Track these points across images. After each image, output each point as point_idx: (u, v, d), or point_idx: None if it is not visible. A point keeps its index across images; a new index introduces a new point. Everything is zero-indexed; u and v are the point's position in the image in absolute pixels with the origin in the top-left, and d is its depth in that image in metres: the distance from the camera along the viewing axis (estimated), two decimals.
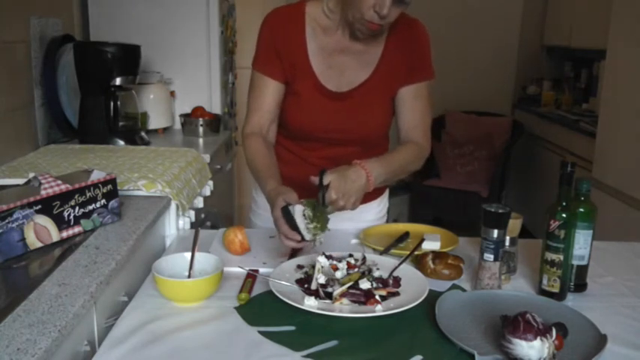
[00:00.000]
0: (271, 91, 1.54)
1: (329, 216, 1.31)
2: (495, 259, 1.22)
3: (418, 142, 1.58)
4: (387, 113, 1.59)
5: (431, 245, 1.45)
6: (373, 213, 1.75)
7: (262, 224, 1.75)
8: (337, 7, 1.48)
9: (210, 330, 1.09)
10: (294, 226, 1.25)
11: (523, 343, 0.95)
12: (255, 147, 1.52)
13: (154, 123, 2.65)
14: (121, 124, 2.35)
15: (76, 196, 1.34)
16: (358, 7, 1.37)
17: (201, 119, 2.68)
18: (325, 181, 1.30)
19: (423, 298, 1.15)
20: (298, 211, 1.26)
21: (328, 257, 1.25)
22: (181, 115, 2.75)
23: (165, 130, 2.74)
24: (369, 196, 1.69)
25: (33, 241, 1.26)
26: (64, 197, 1.32)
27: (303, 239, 1.26)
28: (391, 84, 1.56)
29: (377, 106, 1.56)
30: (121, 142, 2.28)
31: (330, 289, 1.17)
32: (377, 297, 1.15)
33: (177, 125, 2.80)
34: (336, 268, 1.23)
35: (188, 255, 1.28)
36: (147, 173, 1.76)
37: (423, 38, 1.57)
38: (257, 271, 1.30)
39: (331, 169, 1.33)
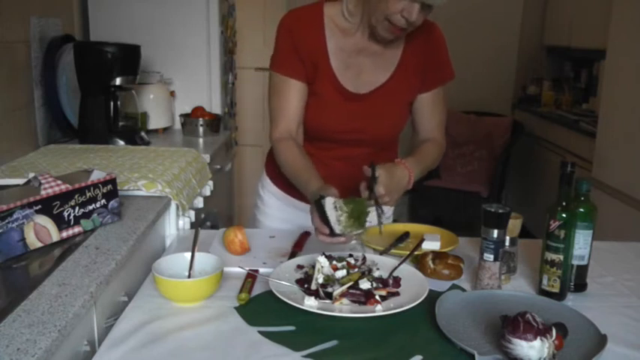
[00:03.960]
0: (295, 92, 1.51)
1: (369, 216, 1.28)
2: (495, 259, 1.22)
3: (439, 141, 1.60)
4: (403, 116, 1.60)
5: (431, 245, 1.45)
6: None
7: (268, 222, 1.76)
8: (357, 9, 1.47)
9: (210, 330, 1.09)
10: (324, 219, 1.23)
11: (523, 343, 0.95)
12: (290, 151, 1.50)
13: (154, 123, 2.65)
14: (121, 124, 2.35)
15: (76, 196, 1.34)
16: (384, 11, 1.36)
17: (201, 119, 2.68)
18: (377, 174, 1.31)
19: (423, 298, 1.15)
20: (329, 202, 1.24)
21: (328, 257, 1.25)
22: (181, 115, 2.75)
23: (165, 130, 2.74)
24: None
25: (33, 241, 1.26)
26: (64, 197, 1.32)
27: (332, 233, 1.24)
28: (408, 87, 1.56)
29: (394, 109, 1.57)
30: (121, 142, 2.28)
31: (330, 289, 1.18)
32: (377, 297, 1.15)
33: (177, 125, 2.80)
34: (336, 268, 1.23)
35: (188, 255, 1.28)
36: (147, 173, 1.76)
37: (440, 42, 1.57)
38: (257, 271, 1.30)
39: (380, 164, 1.34)
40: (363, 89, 1.53)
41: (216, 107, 2.87)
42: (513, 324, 0.97)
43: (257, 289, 1.25)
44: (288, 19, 1.53)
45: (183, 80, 2.84)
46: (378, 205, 1.33)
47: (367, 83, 1.53)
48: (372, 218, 1.30)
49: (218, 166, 2.54)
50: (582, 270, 1.29)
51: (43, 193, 1.28)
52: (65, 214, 1.32)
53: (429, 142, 1.59)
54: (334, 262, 1.25)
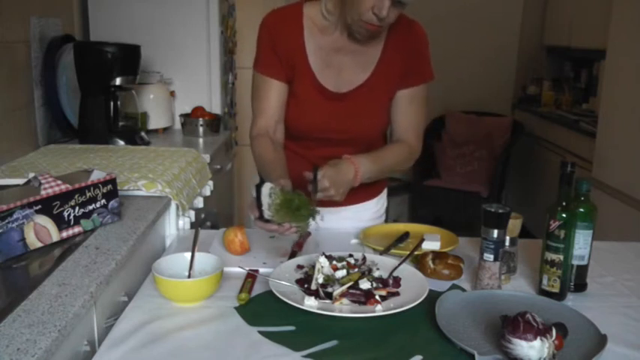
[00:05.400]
0: (275, 92, 1.53)
1: (319, 210, 1.28)
2: (495, 259, 1.22)
3: (410, 144, 1.59)
4: (385, 114, 1.59)
5: (431, 245, 1.45)
6: (372, 212, 1.75)
7: None
8: (336, 8, 1.48)
9: (210, 330, 1.09)
10: (258, 203, 1.25)
11: (523, 343, 0.95)
12: (262, 146, 1.52)
13: (154, 123, 2.66)
14: (121, 124, 2.35)
15: (76, 196, 1.34)
16: (357, 8, 1.37)
17: (201, 119, 2.68)
18: (319, 176, 1.32)
19: (423, 298, 1.15)
20: (266, 188, 1.26)
21: (328, 257, 1.25)
22: (181, 115, 2.76)
23: (165, 130, 2.74)
24: (367, 195, 1.70)
25: (33, 241, 1.26)
26: (64, 197, 1.32)
27: (262, 217, 1.25)
28: (389, 85, 1.56)
29: (375, 107, 1.57)
30: (121, 142, 2.29)
31: (330, 289, 1.18)
32: (377, 297, 1.15)
33: (177, 125, 2.80)
34: (336, 268, 1.23)
35: (188, 255, 1.28)
36: (147, 173, 1.76)
37: (422, 40, 1.57)
38: (257, 271, 1.30)
39: (323, 166, 1.36)
40: (343, 88, 1.54)
41: (216, 107, 2.87)
42: (513, 324, 0.97)
43: (257, 289, 1.25)
44: (268, 19, 1.54)
45: (183, 80, 2.84)
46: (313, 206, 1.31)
47: (348, 82, 1.54)
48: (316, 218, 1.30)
49: (218, 166, 2.54)
50: (582, 270, 1.29)
51: (43, 193, 1.28)
52: (65, 214, 1.32)
53: (397, 142, 1.59)
54: (334, 262, 1.25)
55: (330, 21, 1.51)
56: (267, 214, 1.25)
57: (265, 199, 1.25)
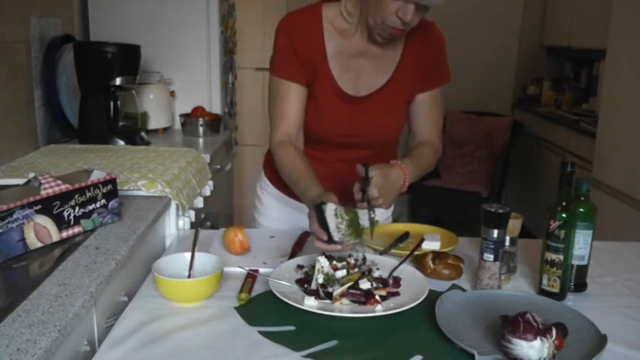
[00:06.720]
0: (295, 95, 1.49)
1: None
2: (495, 259, 1.22)
3: (435, 145, 1.58)
4: (403, 117, 1.58)
5: (431, 245, 1.45)
6: (379, 213, 1.74)
7: (267, 223, 1.75)
8: (356, 9, 1.45)
9: (210, 330, 1.09)
10: (323, 225, 1.21)
11: (523, 343, 0.95)
12: (289, 156, 1.48)
13: (154, 123, 2.66)
14: (121, 124, 2.35)
15: (76, 196, 1.34)
16: (380, 12, 1.35)
17: (201, 119, 2.68)
18: (370, 175, 1.28)
19: (423, 298, 1.15)
20: (330, 209, 1.21)
21: (328, 257, 1.25)
22: (181, 115, 2.76)
23: (165, 130, 2.74)
24: None
25: (33, 241, 1.26)
26: (64, 197, 1.32)
27: (330, 240, 1.21)
28: (407, 88, 1.54)
29: (394, 111, 1.55)
30: (121, 142, 2.29)
31: (330, 289, 1.18)
32: (377, 297, 1.15)
33: (177, 125, 2.80)
34: (336, 268, 1.23)
35: (188, 255, 1.28)
36: (147, 173, 1.76)
37: (440, 42, 1.56)
38: (257, 271, 1.30)
39: (375, 165, 1.32)
40: (362, 92, 1.52)
41: (216, 107, 2.87)
42: (513, 324, 0.97)
43: (257, 289, 1.25)
44: (286, 22, 1.51)
45: (183, 80, 2.84)
46: (371, 208, 1.31)
47: (366, 86, 1.52)
48: (365, 224, 1.28)
49: (218, 166, 2.54)
50: (582, 270, 1.29)
51: (43, 193, 1.28)
52: (65, 214, 1.32)
53: (425, 145, 1.57)
54: (334, 262, 1.25)
55: (350, 23, 1.48)
56: (337, 236, 1.20)
57: (331, 220, 1.20)
